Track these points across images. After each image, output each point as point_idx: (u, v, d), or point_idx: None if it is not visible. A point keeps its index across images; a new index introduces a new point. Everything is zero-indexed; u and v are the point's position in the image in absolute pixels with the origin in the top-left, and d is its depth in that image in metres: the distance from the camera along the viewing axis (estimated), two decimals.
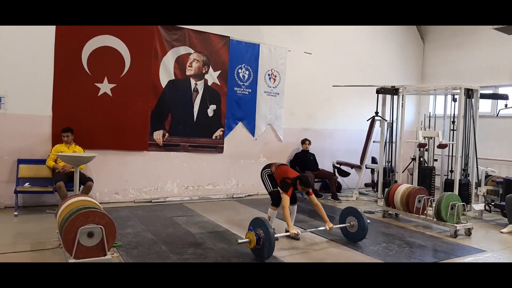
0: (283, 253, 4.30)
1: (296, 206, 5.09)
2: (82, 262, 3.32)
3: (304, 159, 7.78)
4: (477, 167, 6.83)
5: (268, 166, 5.14)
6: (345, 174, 8.23)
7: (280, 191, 4.77)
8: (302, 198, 6.24)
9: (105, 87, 6.21)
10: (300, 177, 4.68)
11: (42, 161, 5.82)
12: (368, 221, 4.81)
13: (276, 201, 4.86)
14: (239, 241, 4.14)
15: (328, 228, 4.64)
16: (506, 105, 7.61)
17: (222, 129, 7.32)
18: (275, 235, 4.18)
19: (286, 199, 4.59)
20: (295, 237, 4.76)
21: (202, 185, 7.24)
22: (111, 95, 6.25)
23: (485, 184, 6.97)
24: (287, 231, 4.55)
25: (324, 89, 8.33)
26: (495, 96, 7.81)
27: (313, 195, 4.76)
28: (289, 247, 4.54)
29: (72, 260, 3.33)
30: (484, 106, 8.11)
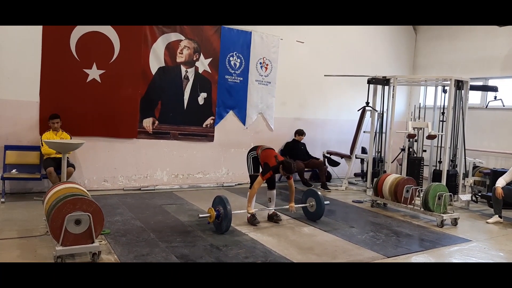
0: (270, 240, 4.33)
1: (274, 191, 5.20)
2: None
3: (294, 149, 7.79)
4: (465, 158, 6.91)
5: (255, 148, 5.21)
6: (335, 163, 8.26)
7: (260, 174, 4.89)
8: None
9: (93, 73, 6.12)
10: (284, 162, 4.78)
11: (29, 148, 5.76)
12: (327, 202, 5.31)
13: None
14: (200, 215, 4.56)
15: (290, 208, 5.02)
16: (495, 97, 7.67)
17: (213, 117, 7.28)
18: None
19: (259, 181, 4.81)
20: (252, 222, 4.88)
21: (192, 173, 7.22)
22: (100, 81, 6.16)
23: (473, 175, 7.07)
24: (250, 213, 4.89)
25: (316, 78, 8.30)
26: (485, 88, 7.86)
27: (292, 180, 5.03)
28: (273, 233, 4.56)
29: (59, 247, 3.31)
30: (474, 97, 8.16)
